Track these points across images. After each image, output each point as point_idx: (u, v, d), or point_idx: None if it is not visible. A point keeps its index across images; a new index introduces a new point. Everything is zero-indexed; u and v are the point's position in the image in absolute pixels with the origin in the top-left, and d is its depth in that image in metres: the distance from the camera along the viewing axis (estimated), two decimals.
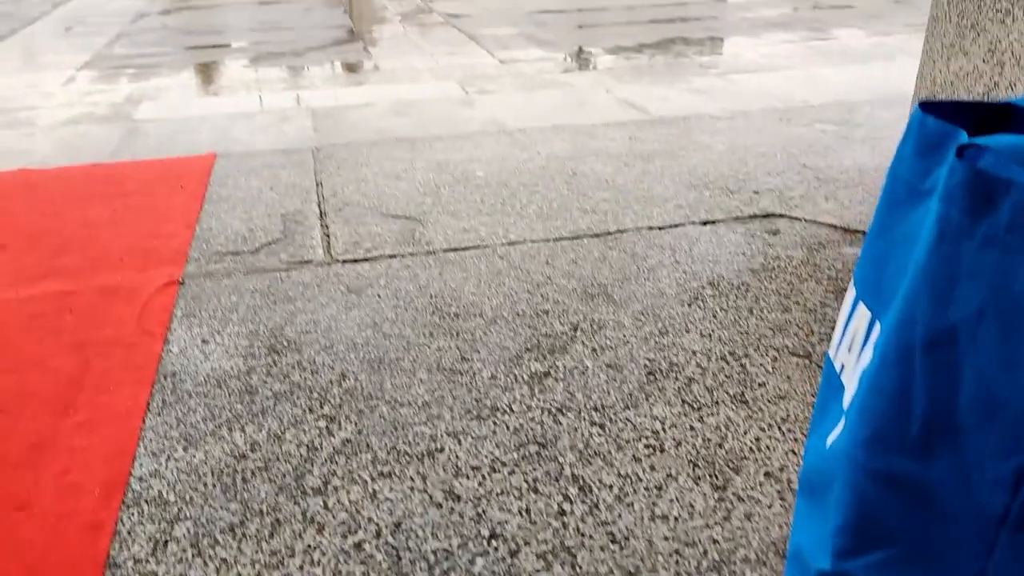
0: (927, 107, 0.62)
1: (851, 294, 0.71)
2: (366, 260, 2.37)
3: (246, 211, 2.73)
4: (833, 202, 2.67)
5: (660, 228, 2.52)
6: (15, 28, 9.01)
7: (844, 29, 7.46)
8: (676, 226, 2.53)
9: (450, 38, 7.85)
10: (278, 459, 1.58)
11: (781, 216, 2.57)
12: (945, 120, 0.59)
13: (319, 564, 1.32)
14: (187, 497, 1.48)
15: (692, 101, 4.61)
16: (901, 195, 0.64)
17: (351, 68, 6.94)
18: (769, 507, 1.40)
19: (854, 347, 0.69)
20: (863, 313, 0.68)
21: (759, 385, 1.74)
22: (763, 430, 1.60)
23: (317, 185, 2.97)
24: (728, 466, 1.51)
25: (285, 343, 1.96)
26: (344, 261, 2.36)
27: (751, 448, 1.56)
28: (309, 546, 1.36)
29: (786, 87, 4.83)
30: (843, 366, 0.71)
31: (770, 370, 1.79)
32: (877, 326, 0.66)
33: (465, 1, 10.41)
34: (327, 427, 1.66)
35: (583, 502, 1.43)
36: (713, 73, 5.59)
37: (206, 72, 6.91)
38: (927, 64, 1.84)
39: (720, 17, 9.14)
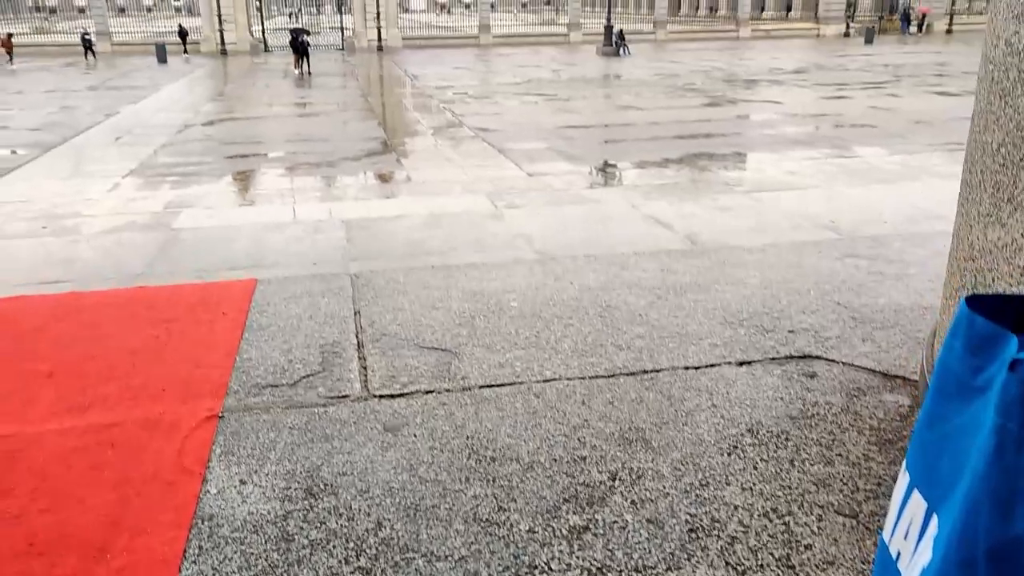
0: (974, 304, 0.64)
1: (904, 479, 0.71)
2: (402, 396, 2.38)
3: (286, 340, 2.78)
4: (870, 344, 2.65)
5: (696, 368, 2.51)
6: (66, 136, 9.45)
7: (867, 148, 7.61)
8: (712, 366, 2.52)
9: (480, 151, 8.11)
10: None
11: (818, 358, 2.55)
12: (992, 316, 0.61)
13: None
14: None
15: (718, 219, 4.68)
16: (952, 388, 0.66)
17: (384, 179, 7.16)
18: None
19: (910, 536, 0.70)
20: (918, 502, 0.69)
21: (805, 547, 1.70)
22: None
23: (355, 314, 3.02)
24: None
25: (322, 485, 1.95)
26: (381, 396, 2.38)
27: None
28: None
29: (812, 208, 4.89)
30: (899, 553, 0.71)
31: (816, 530, 1.75)
32: (934, 519, 0.66)
33: (495, 116, 10.80)
34: None
35: None
36: (739, 191, 5.68)
37: (243, 181, 7.16)
38: (963, 227, 1.88)
39: (743, 133, 9.38)
